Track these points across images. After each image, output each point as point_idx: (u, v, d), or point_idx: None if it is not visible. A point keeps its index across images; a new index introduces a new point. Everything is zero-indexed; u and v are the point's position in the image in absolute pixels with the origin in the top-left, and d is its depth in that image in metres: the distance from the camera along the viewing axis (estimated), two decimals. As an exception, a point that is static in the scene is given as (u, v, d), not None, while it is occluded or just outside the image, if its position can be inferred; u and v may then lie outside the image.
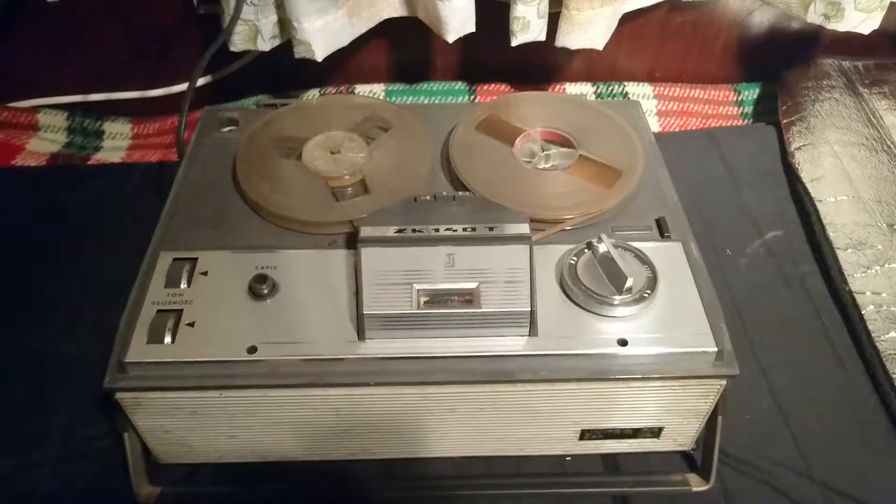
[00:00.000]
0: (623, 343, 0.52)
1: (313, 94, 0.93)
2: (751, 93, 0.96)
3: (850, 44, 0.90)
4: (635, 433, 0.57)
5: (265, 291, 0.54)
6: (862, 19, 0.77)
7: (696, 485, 0.57)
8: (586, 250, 0.56)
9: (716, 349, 0.52)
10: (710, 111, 0.95)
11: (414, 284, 0.52)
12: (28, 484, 0.58)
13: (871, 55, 0.92)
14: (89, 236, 0.77)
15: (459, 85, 0.95)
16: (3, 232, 0.77)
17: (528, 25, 0.79)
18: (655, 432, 0.57)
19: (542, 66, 0.95)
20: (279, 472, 0.58)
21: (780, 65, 0.93)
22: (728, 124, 0.94)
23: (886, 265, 0.71)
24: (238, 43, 0.79)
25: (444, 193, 0.58)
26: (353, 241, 0.56)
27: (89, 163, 0.89)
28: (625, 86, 0.96)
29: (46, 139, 0.92)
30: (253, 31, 0.78)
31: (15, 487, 0.57)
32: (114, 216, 0.79)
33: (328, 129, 0.67)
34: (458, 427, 0.55)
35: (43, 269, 0.73)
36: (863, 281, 0.70)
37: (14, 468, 0.58)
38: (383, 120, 0.69)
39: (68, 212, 0.80)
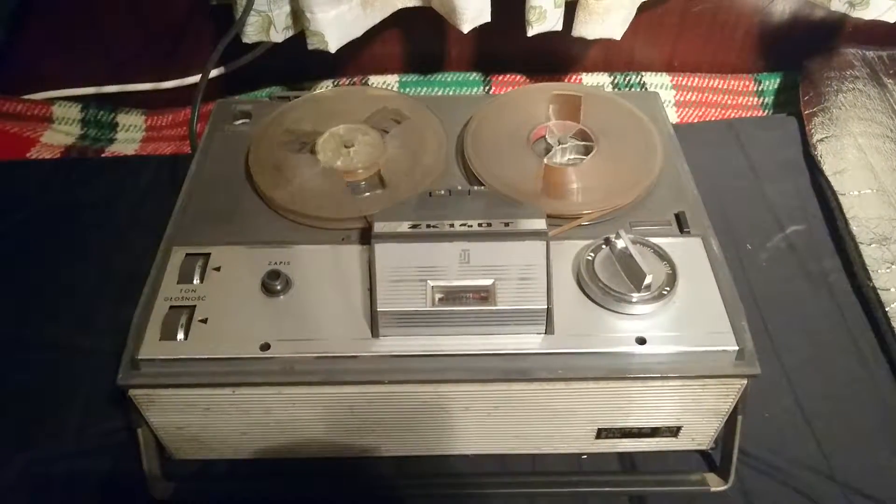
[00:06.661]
0: (641, 341, 0.51)
1: (327, 85, 0.92)
2: (772, 83, 0.94)
3: (874, 33, 0.88)
4: (653, 432, 0.56)
5: (278, 287, 0.53)
6: (889, 6, 0.75)
7: (715, 484, 0.56)
8: (604, 246, 0.55)
9: (737, 348, 0.51)
10: (729, 102, 0.94)
11: (428, 281, 0.51)
12: (44, 477, 0.58)
13: (897, 45, 0.90)
14: (104, 229, 0.76)
15: (474, 76, 0.94)
16: (19, 225, 0.77)
17: (544, 15, 0.78)
18: (673, 431, 0.56)
19: (559, 56, 0.94)
20: (293, 469, 0.58)
21: (802, 54, 0.91)
22: (748, 115, 0.92)
23: (911, 261, 0.69)
24: (251, 34, 0.78)
25: (459, 188, 0.57)
26: (366, 237, 0.56)
27: (103, 155, 0.89)
28: (642, 76, 0.94)
29: (61, 131, 0.92)
30: (266, 23, 0.78)
31: (31, 480, 0.57)
32: (128, 209, 0.79)
33: (342, 122, 0.66)
34: (472, 425, 0.55)
35: (58, 262, 0.73)
36: (887, 277, 0.68)
37: (30, 461, 0.58)
38: (397, 112, 0.68)
39: (83, 205, 0.80)
